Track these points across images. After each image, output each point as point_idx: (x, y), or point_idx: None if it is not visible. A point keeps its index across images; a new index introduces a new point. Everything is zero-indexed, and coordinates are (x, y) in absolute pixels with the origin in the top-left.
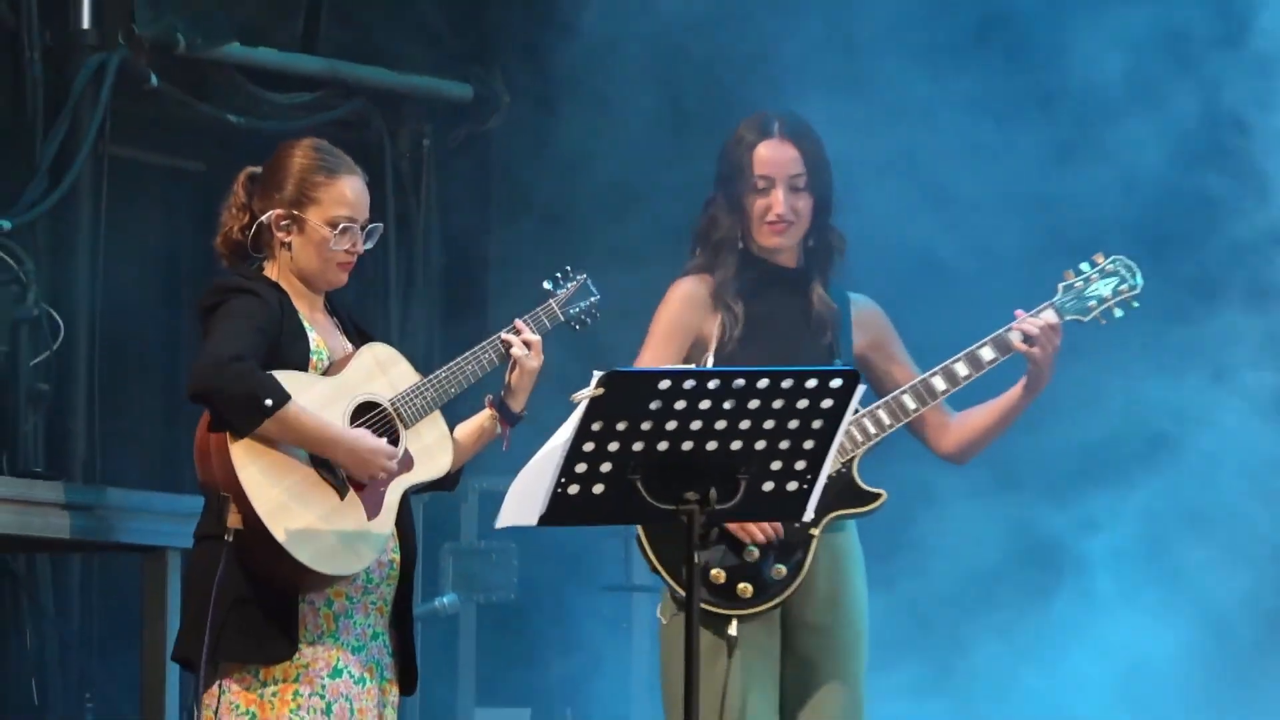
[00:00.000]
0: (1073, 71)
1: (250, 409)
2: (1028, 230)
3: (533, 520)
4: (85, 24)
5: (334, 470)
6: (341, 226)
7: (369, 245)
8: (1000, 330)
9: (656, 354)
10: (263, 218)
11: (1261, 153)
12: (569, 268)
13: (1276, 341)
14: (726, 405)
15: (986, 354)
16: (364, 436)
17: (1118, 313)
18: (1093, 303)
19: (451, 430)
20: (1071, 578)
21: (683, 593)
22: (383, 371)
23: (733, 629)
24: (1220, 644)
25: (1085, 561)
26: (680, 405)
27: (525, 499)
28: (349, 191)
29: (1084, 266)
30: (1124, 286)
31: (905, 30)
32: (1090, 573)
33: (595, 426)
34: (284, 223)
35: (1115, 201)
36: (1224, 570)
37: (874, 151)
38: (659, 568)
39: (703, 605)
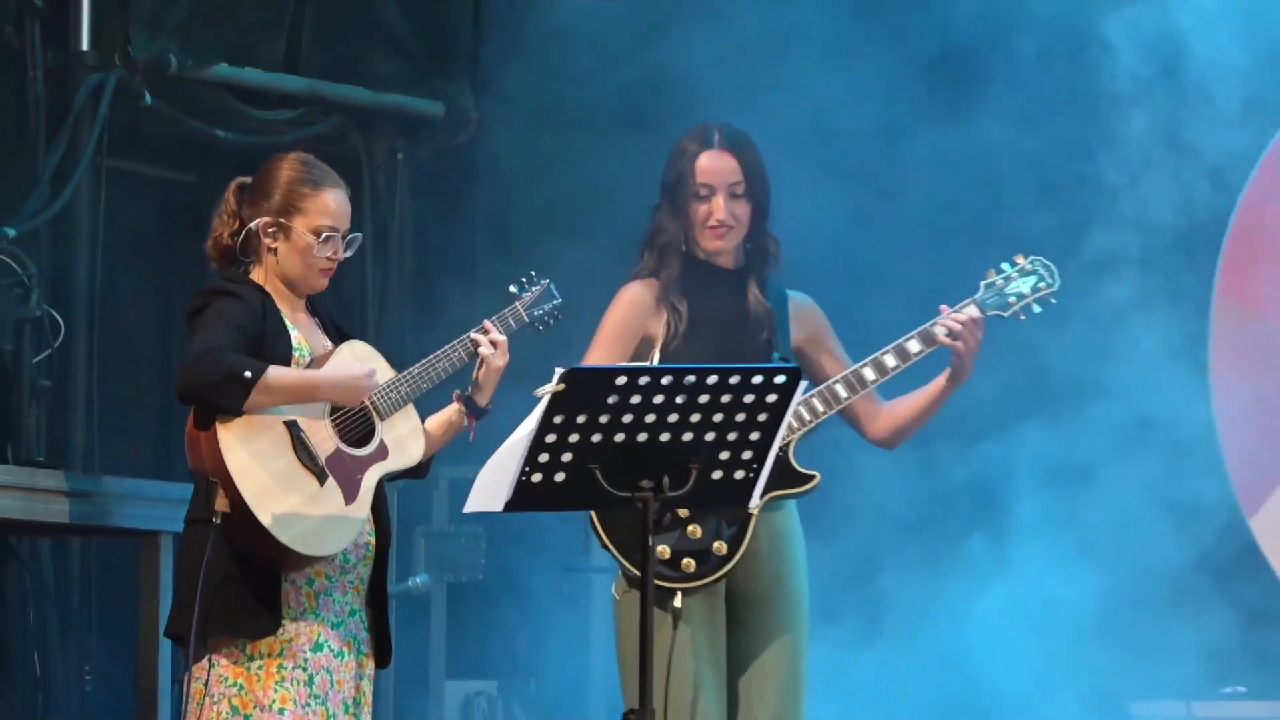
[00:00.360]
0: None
1: (233, 387)
2: (944, 229)
3: (499, 506)
4: (85, 46)
5: (314, 458)
6: (324, 235)
7: (349, 253)
8: (926, 325)
9: (604, 353)
10: (251, 225)
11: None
12: (533, 273)
13: (1184, 291)
14: (678, 400)
15: (913, 346)
16: (341, 368)
17: (1035, 309)
18: (1013, 299)
19: (423, 422)
20: (987, 525)
21: (635, 571)
22: (360, 363)
23: (677, 601)
24: (1132, 587)
25: (1000, 508)
26: (635, 400)
27: (492, 486)
28: (332, 203)
29: (1005, 266)
30: (1042, 285)
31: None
32: (1005, 519)
33: (557, 420)
34: (271, 230)
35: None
36: (1135, 515)
37: (806, 153)
38: (610, 547)
39: None
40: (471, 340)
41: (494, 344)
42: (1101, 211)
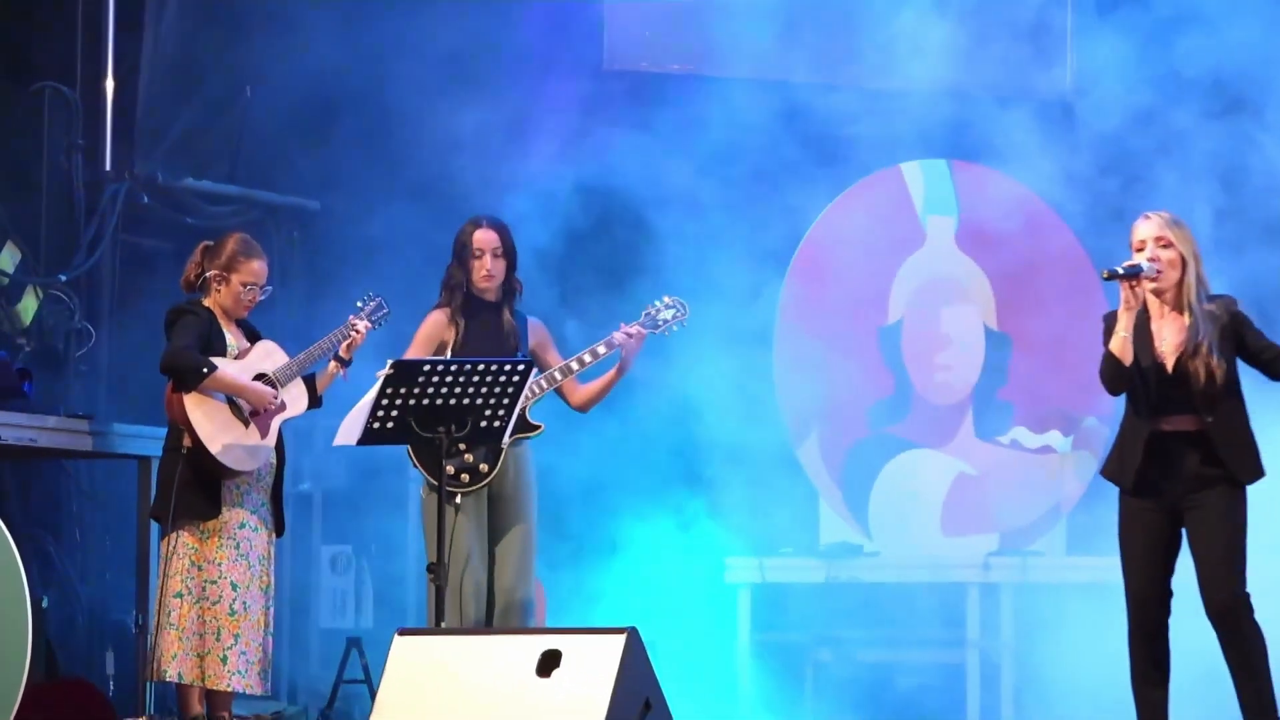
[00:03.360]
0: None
1: (195, 372)
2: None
3: (354, 441)
4: (108, 167)
5: (242, 412)
6: (249, 286)
7: (263, 298)
8: (608, 336)
9: (416, 352)
10: (207, 273)
11: None
12: (370, 293)
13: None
14: (459, 379)
15: (601, 349)
16: (259, 386)
17: (675, 329)
18: (660, 323)
19: (311, 380)
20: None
21: (433, 481)
22: (268, 356)
23: (458, 500)
24: None
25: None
26: (435, 379)
27: (350, 429)
28: (256, 267)
29: (657, 302)
30: (679, 314)
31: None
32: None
33: (389, 390)
34: (218, 279)
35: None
36: None
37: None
38: (419, 467)
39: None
40: (351, 325)
41: (359, 330)
42: None
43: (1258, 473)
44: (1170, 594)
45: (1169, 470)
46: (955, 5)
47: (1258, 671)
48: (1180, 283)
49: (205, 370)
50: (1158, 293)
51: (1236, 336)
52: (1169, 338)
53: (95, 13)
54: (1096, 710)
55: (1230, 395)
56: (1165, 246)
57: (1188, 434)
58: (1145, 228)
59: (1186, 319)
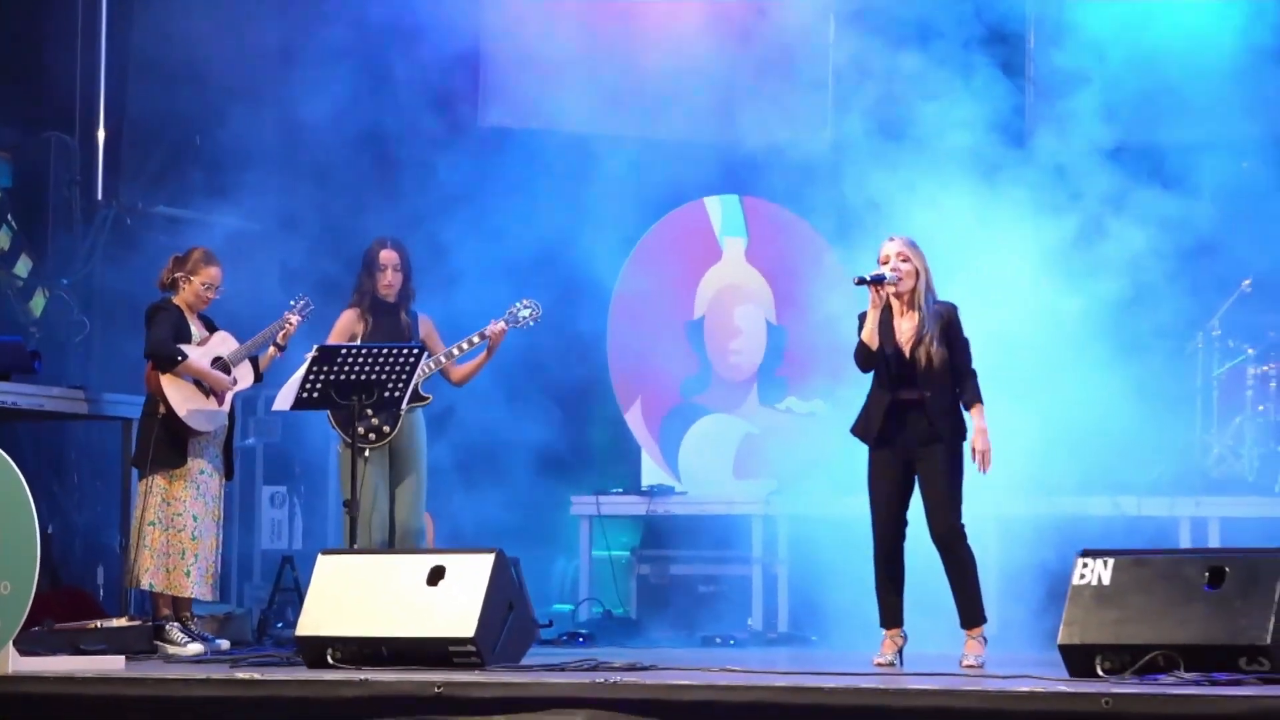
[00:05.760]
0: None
1: (171, 360)
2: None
3: (288, 407)
4: (99, 196)
5: (204, 387)
6: (207, 286)
7: (218, 296)
8: (481, 328)
9: (335, 340)
10: (176, 275)
11: None
12: (300, 294)
13: None
14: (368, 361)
15: (475, 338)
16: (218, 374)
17: (531, 324)
18: (520, 319)
19: (255, 360)
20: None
21: (347, 438)
22: (224, 342)
23: (366, 453)
24: None
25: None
26: (349, 361)
27: (285, 397)
28: (214, 272)
29: (518, 303)
30: (534, 313)
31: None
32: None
33: (315, 368)
34: (184, 280)
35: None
36: None
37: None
38: (336, 428)
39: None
40: (285, 319)
41: (291, 322)
42: None
43: (961, 435)
44: (905, 524)
45: (902, 430)
46: (747, 73)
47: (970, 582)
48: (914, 289)
49: (179, 359)
50: (899, 296)
51: (947, 336)
52: (905, 330)
53: (90, 81)
54: (849, 611)
55: (944, 376)
56: (904, 260)
57: (916, 402)
58: (889, 246)
59: (918, 316)
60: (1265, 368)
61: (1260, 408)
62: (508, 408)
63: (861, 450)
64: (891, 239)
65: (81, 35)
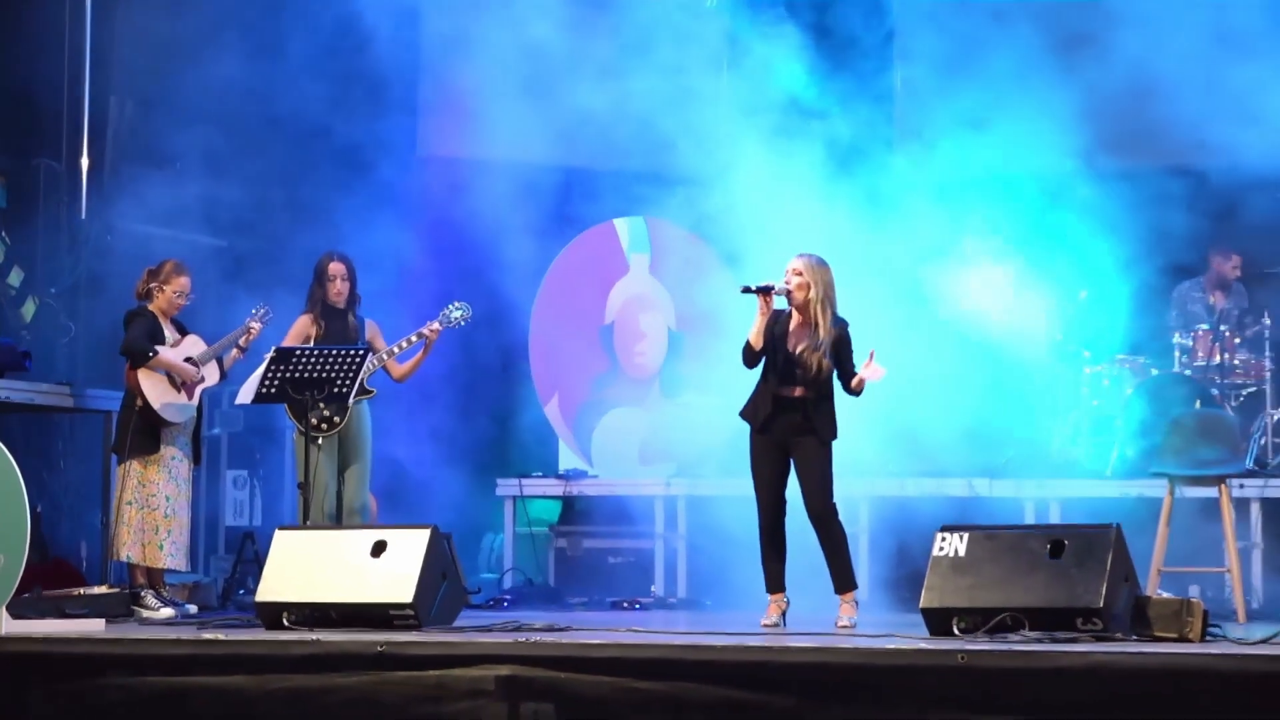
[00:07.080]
0: None
1: (144, 355)
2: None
3: (249, 401)
4: (83, 215)
5: (175, 381)
6: (179, 294)
7: (188, 303)
8: (419, 328)
9: (291, 342)
10: (151, 285)
11: None
12: (260, 304)
13: None
14: (320, 360)
15: (413, 338)
16: (188, 365)
17: (463, 323)
18: (452, 320)
19: (221, 359)
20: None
21: (301, 427)
22: (194, 345)
23: (319, 441)
24: None
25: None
26: (304, 360)
27: (247, 392)
28: (184, 282)
29: (450, 305)
30: (465, 314)
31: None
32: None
33: (273, 367)
34: (158, 289)
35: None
36: None
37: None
38: (292, 418)
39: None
40: (247, 326)
41: (253, 328)
42: None
43: (833, 434)
44: (785, 502)
45: (783, 419)
46: (649, 110)
47: (842, 554)
48: (808, 301)
49: (151, 354)
50: (798, 307)
51: (837, 349)
52: (799, 337)
53: (76, 114)
54: (739, 579)
55: (825, 381)
56: (797, 274)
57: (797, 399)
58: (792, 262)
59: (812, 327)
60: (1098, 368)
61: (1094, 403)
62: (440, 403)
63: (746, 439)
64: (800, 255)
65: (68, 74)
